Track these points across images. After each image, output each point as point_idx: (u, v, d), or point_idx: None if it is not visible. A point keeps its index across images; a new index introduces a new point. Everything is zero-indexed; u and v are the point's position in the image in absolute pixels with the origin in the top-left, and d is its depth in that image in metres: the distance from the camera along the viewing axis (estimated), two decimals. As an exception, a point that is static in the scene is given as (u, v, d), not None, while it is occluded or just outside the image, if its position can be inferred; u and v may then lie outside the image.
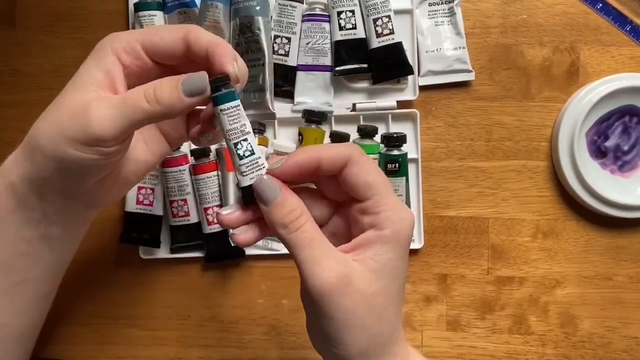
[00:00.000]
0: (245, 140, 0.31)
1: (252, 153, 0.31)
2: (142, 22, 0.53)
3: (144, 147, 0.39)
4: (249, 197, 0.32)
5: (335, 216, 0.35)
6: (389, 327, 0.33)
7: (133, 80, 0.36)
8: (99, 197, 0.39)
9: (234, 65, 0.33)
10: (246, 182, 0.32)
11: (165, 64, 0.36)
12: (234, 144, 0.31)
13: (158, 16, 0.53)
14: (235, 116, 0.31)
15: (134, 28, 0.54)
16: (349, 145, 0.33)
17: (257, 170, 0.32)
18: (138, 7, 0.53)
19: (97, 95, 0.34)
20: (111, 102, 0.33)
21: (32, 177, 0.35)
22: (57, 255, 0.43)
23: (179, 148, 0.53)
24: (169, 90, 0.33)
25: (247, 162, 0.31)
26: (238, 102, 0.31)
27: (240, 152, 0.31)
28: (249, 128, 0.31)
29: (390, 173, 0.52)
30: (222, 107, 0.30)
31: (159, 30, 0.36)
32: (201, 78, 0.33)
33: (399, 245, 0.32)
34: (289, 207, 0.31)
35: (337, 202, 0.35)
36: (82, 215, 0.42)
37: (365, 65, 0.54)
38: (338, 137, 0.52)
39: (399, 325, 0.34)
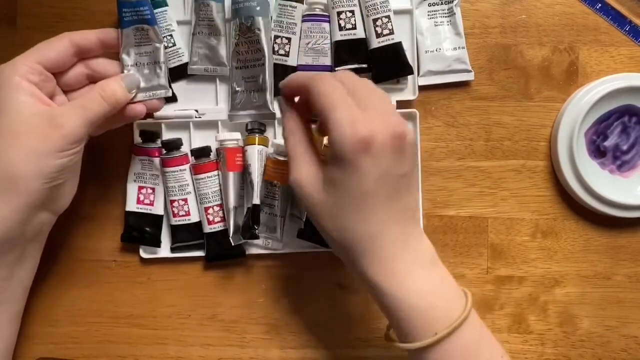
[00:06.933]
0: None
1: None
2: None
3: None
4: None
5: None
6: (351, 234, 0.37)
7: (50, 85, 0.44)
8: (63, 202, 0.45)
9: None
10: None
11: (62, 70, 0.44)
12: None
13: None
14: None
15: None
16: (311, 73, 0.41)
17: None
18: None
19: (42, 111, 0.40)
20: (72, 110, 0.41)
21: (21, 207, 0.40)
22: (28, 272, 0.44)
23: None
24: (119, 89, 0.44)
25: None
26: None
27: None
28: None
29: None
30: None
31: (48, 44, 0.43)
32: (135, 77, 0.46)
33: (342, 162, 0.36)
34: (287, 120, 0.42)
35: None
36: (50, 224, 0.46)
37: (365, 65, 0.54)
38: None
39: (377, 233, 0.37)
